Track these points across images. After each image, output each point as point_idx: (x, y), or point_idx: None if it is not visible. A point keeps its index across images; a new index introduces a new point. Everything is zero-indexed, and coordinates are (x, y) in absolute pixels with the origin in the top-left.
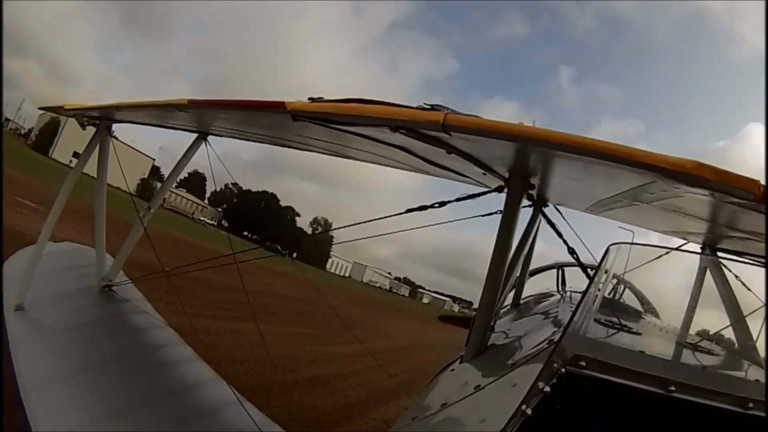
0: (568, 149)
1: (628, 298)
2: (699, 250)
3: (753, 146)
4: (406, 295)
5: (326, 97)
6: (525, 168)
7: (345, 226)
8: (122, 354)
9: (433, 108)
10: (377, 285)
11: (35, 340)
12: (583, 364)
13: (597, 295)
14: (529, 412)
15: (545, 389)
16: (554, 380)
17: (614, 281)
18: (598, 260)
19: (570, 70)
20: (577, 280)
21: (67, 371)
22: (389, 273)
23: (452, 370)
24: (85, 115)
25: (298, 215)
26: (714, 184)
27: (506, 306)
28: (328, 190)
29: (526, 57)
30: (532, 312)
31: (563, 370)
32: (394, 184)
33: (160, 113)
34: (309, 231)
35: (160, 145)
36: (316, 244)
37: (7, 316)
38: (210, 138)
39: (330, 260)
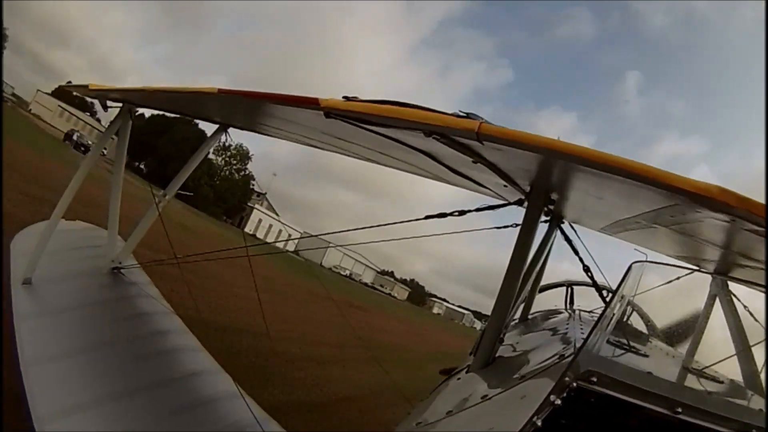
0: (597, 166)
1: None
2: (696, 278)
3: None
4: (403, 298)
5: (361, 97)
6: (547, 183)
7: (349, 230)
8: (125, 337)
9: (468, 116)
10: (346, 273)
11: (39, 315)
12: (594, 379)
13: (614, 314)
14: (539, 423)
15: (556, 402)
16: (565, 394)
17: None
18: (618, 280)
19: (637, 76)
20: (582, 300)
21: (69, 350)
22: (391, 272)
23: (458, 379)
24: (108, 98)
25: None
26: (736, 210)
27: (515, 320)
28: (368, 201)
29: (590, 61)
30: (541, 328)
31: (574, 384)
32: (436, 198)
33: (183, 101)
34: (221, 162)
35: None
36: (223, 183)
37: (14, 289)
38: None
39: (256, 217)
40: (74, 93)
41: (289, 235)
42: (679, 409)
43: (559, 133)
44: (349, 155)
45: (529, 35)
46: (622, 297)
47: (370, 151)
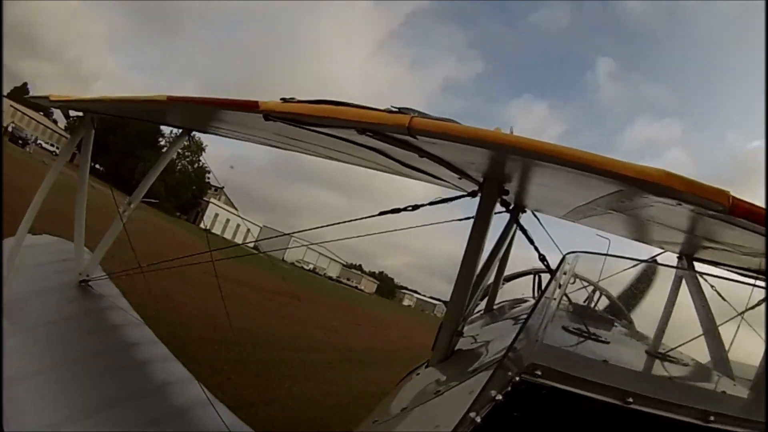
0: (535, 156)
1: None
2: (662, 261)
3: None
4: (371, 291)
5: (298, 98)
6: (499, 174)
7: (300, 231)
8: (97, 351)
9: (401, 111)
10: (309, 267)
11: (9, 334)
12: (539, 373)
13: (553, 303)
14: (478, 419)
15: (497, 397)
16: (508, 388)
17: (590, 289)
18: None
19: (610, 62)
20: None
21: (40, 367)
22: (359, 265)
23: (417, 374)
24: (70, 107)
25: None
26: (682, 194)
27: (480, 311)
28: (347, 199)
29: (564, 49)
30: (503, 318)
31: (517, 378)
32: (413, 193)
33: (144, 108)
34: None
35: None
36: (176, 177)
37: None
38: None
39: (211, 214)
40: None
41: (248, 230)
42: (630, 399)
43: (532, 124)
44: (307, 154)
45: (502, 24)
46: (559, 286)
47: (326, 149)
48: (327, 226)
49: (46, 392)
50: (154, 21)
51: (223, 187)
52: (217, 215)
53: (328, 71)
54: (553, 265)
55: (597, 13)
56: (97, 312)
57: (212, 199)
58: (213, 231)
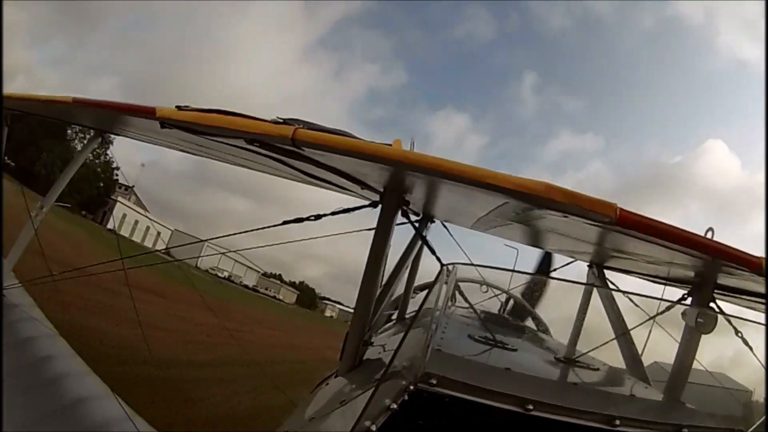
0: (419, 170)
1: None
2: (574, 269)
3: (710, 162)
4: (291, 302)
5: (193, 106)
6: (399, 185)
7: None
8: (11, 367)
9: (286, 122)
10: (224, 275)
11: None
12: (434, 381)
13: (437, 313)
14: (374, 428)
15: (392, 406)
16: (404, 397)
17: (503, 297)
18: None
19: (533, 76)
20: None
21: None
22: (278, 275)
23: (327, 384)
24: None
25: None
26: (564, 206)
27: (393, 320)
28: (259, 207)
29: (486, 61)
30: (416, 327)
31: (412, 387)
32: (327, 201)
33: (53, 108)
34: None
35: None
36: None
37: None
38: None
39: (119, 214)
40: None
41: (159, 233)
42: (530, 406)
43: (454, 135)
44: (218, 161)
45: (427, 35)
46: (439, 297)
47: (234, 157)
48: (240, 233)
49: None
50: (76, 13)
51: (134, 186)
52: (125, 215)
53: (252, 74)
54: None
55: (521, 27)
56: (11, 324)
57: (120, 198)
58: (120, 233)
